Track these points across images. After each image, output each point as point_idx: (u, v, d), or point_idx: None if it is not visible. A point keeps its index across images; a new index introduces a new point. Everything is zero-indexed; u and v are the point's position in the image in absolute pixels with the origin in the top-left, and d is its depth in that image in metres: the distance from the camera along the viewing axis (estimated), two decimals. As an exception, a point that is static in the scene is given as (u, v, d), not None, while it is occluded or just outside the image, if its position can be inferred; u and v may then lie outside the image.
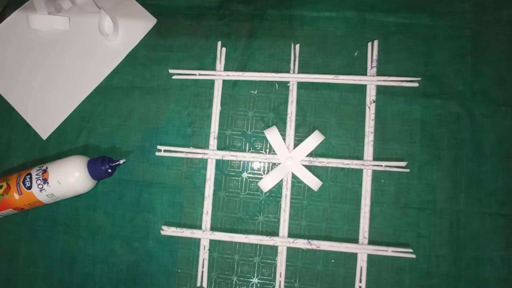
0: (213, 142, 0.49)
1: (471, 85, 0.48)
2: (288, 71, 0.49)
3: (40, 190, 0.45)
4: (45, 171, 0.46)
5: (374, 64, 0.48)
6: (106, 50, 0.52)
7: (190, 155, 0.49)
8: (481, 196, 0.46)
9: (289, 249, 0.47)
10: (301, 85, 0.49)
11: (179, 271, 0.48)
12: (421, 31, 0.48)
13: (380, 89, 0.48)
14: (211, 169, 0.49)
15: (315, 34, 0.50)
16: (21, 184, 0.46)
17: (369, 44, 0.49)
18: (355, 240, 0.47)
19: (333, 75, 0.48)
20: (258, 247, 0.48)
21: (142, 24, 0.52)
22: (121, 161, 0.48)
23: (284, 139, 0.48)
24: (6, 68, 0.53)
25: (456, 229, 0.46)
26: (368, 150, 0.47)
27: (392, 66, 0.48)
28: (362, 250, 0.46)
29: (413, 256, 0.45)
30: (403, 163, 0.46)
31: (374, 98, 0.48)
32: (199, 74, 0.50)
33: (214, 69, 0.50)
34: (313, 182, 0.47)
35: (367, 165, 0.47)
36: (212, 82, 0.50)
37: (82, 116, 0.51)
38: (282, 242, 0.47)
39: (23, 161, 0.51)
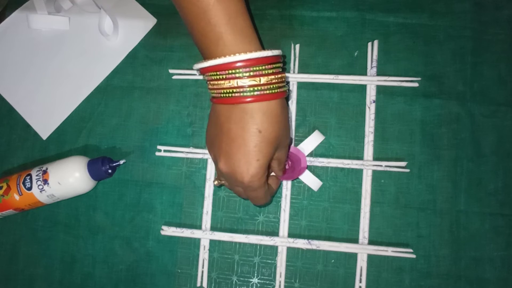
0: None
1: (471, 85, 0.48)
2: (288, 71, 0.49)
3: (41, 191, 0.45)
4: (45, 172, 0.46)
5: (374, 64, 0.48)
6: (106, 50, 0.52)
7: (190, 155, 0.49)
8: (481, 196, 0.46)
9: (289, 249, 0.47)
10: (301, 85, 0.49)
11: (179, 271, 0.48)
12: (421, 31, 0.48)
13: (380, 89, 0.48)
14: (211, 169, 0.49)
15: (315, 34, 0.49)
16: (21, 185, 0.46)
17: (369, 44, 0.49)
18: (355, 240, 0.47)
19: (333, 75, 0.48)
20: (258, 247, 0.48)
21: (142, 24, 0.52)
22: (121, 162, 0.48)
23: (284, 139, 0.48)
24: (6, 68, 0.53)
25: (456, 229, 0.46)
26: (368, 150, 0.47)
27: (392, 66, 0.48)
28: (362, 250, 0.46)
29: (413, 256, 0.45)
30: (403, 163, 0.46)
31: (374, 98, 0.48)
32: (199, 74, 0.50)
33: (214, 69, 0.50)
34: (313, 182, 0.47)
35: (367, 165, 0.47)
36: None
37: (82, 116, 0.51)
38: (282, 242, 0.47)
39: (23, 161, 0.51)
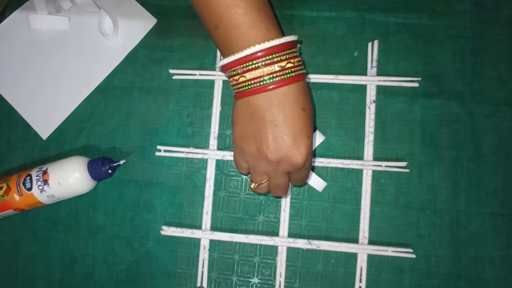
0: (213, 142, 0.49)
1: (471, 85, 0.48)
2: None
3: (41, 191, 0.45)
4: (45, 172, 0.46)
5: (374, 64, 0.48)
6: (106, 50, 0.52)
7: (190, 155, 0.49)
8: (481, 196, 0.46)
9: (289, 249, 0.47)
10: (301, 85, 0.49)
11: (179, 271, 0.48)
12: (421, 31, 0.48)
13: (380, 89, 0.48)
14: (211, 169, 0.49)
15: (315, 34, 0.49)
16: (22, 185, 0.46)
17: (369, 44, 0.49)
18: (355, 240, 0.47)
19: (333, 75, 0.48)
20: (258, 247, 0.48)
21: (142, 24, 0.52)
22: (121, 162, 0.48)
23: (284, 139, 0.48)
24: (6, 68, 0.53)
25: (456, 229, 0.46)
26: (368, 150, 0.47)
27: (392, 66, 0.48)
28: (362, 250, 0.46)
29: (413, 256, 0.45)
30: (403, 163, 0.46)
31: (374, 98, 0.48)
32: (199, 74, 0.50)
33: (214, 69, 0.50)
34: (318, 183, 0.47)
35: (367, 165, 0.47)
36: (212, 82, 0.50)
37: (82, 116, 0.51)
38: (282, 242, 0.47)
39: (23, 161, 0.51)
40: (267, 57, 0.35)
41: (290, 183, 0.42)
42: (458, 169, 0.47)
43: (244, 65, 0.36)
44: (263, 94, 0.36)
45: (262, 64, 0.36)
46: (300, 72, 0.37)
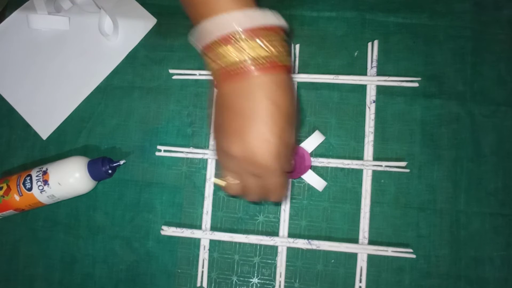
0: (213, 142, 0.49)
1: (471, 85, 0.48)
2: (288, 71, 0.49)
3: (41, 192, 0.45)
4: (45, 173, 0.46)
5: (374, 64, 0.48)
6: (106, 50, 0.52)
7: (190, 155, 0.49)
8: (481, 196, 0.46)
9: (289, 249, 0.47)
10: (301, 85, 0.49)
11: (179, 271, 0.48)
12: (421, 31, 0.48)
13: (380, 89, 0.48)
14: (211, 169, 0.49)
15: (315, 34, 0.49)
16: (22, 185, 0.46)
17: (369, 44, 0.49)
18: (355, 240, 0.47)
19: (333, 75, 0.48)
20: (258, 247, 0.48)
21: (142, 24, 0.52)
22: (121, 162, 0.48)
23: (284, 139, 0.48)
24: (6, 68, 0.53)
25: (456, 229, 0.46)
26: (368, 150, 0.47)
27: (392, 66, 0.48)
28: (362, 250, 0.46)
29: (413, 256, 0.45)
30: (403, 163, 0.46)
31: (374, 98, 0.48)
32: (199, 74, 0.50)
33: (214, 69, 0.50)
34: (318, 183, 0.47)
35: (367, 165, 0.47)
36: (212, 82, 0.50)
37: (82, 116, 0.51)
38: (282, 242, 0.47)
39: (23, 161, 0.51)
40: (237, 36, 0.31)
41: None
42: (458, 169, 0.47)
43: (214, 42, 0.32)
44: (234, 85, 0.32)
45: (224, 44, 0.31)
46: (278, 63, 0.32)
